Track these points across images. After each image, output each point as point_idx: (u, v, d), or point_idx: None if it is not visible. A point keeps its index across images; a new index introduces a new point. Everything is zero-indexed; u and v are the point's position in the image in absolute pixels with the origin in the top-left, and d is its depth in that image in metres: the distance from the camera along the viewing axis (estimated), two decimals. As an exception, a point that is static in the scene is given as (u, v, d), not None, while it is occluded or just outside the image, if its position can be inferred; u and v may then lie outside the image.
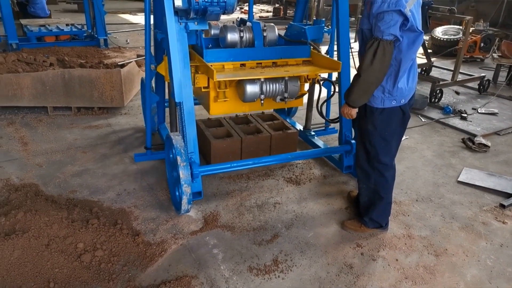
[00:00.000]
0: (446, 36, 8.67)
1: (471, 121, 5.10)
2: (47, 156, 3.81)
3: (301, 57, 3.33)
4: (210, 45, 3.37)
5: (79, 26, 8.59)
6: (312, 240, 2.82)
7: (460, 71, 6.03)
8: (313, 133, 4.19)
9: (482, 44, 8.16)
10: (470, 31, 7.72)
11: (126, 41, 9.01)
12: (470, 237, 2.92)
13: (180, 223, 2.92)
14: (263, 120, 4.09)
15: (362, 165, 2.79)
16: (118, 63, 6.47)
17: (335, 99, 4.05)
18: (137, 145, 4.10)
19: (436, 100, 5.65)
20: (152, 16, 3.32)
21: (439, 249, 2.77)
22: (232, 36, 3.17)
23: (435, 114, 5.32)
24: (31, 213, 2.69)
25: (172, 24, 2.75)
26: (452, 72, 5.91)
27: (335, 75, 3.99)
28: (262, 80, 3.10)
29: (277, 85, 3.17)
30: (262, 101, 3.20)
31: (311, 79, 3.36)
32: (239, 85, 3.14)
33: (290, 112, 4.72)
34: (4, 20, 7.28)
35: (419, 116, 5.22)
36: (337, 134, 4.29)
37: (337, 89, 3.50)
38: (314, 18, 3.46)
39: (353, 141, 3.50)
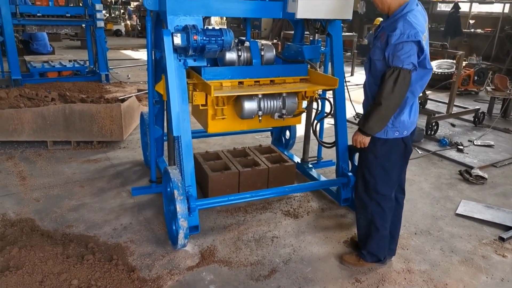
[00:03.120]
0: (440, 70, 8.87)
1: (467, 153, 5.13)
2: (44, 190, 3.81)
3: (298, 75, 3.37)
4: (208, 64, 3.38)
5: (82, 62, 8.80)
6: (310, 275, 2.78)
7: (455, 103, 6.13)
8: (310, 165, 4.21)
9: (475, 78, 8.34)
10: (464, 65, 7.92)
11: (127, 76, 9.20)
12: (470, 271, 2.88)
13: (176, 258, 2.89)
14: (260, 153, 4.12)
15: (360, 195, 2.79)
16: (119, 98, 6.57)
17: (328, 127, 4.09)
18: (135, 179, 4.11)
19: (432, 132, 5.71)
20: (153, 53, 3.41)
21: (439, 284, 2.73)
22: (230, 55, 3.22)
23: (431, 146, 5.36)
24: (26, 249, 2.67)
25: (171, 61, 2.83)
26: (447, 105, 6.01)
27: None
28: (260, 96, 3.12)
29: (275, 101, 3.19)
30: (260, 118, 3.20)
31: (308, 97, 3.40)
32: (237, 102, 3.15)
33: (288, 145, 4.77)
34: (9, 57, 7.46)
35: (416, 148, 5.25)
36: (333, 167, 4.33)
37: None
38: (311, 38, 3.53)
39: (350, 174, 3.52)
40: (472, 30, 11.95)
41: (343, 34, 9.34)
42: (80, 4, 9.95)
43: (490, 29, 11.57)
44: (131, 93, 7.45)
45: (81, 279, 2.53)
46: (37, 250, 2.67)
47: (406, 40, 2.31)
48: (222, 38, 2.83)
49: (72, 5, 9.45)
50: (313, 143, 4.37)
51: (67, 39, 15.76)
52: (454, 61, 8.76)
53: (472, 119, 6.40)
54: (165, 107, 3.73)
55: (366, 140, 2.58)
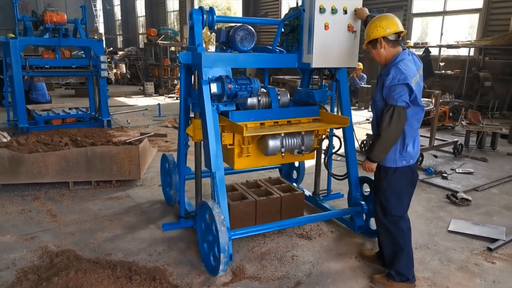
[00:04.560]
0: (418, 108, 9.67)
1: (451, 180, 5.72)
2: (77, 225, 4.13)
3: (311, 116, 3.83)
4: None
5: (84, 109, 9.26)
6: (331, 285, 3.18)
7: (435, 137, 6.80)
8: (322, 197, 4.62)
9: (451, 114, 9.16)
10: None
11: (127, 121, 9.65)
12: (466, 276, 3.34)
13: (211, 276, 3.25)
14: (271, 184, 4.57)
15: (380, 220, 3.20)
16: (126, 141, 7.00)
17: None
18: (159, 213, 4.48)
19: (419, 163, 6.31)
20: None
21: (442, 287, 3.17)
22: (251, 100, 3.66)
23: (419, 175, 5.91)
24: (81, 272, 2.99)
25: (209, 107, 3.25)
26: (429, 139, 6.67)
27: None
28: (283, 135, 3.56)
29: (295, 139, 3.63)
30: (283, 154, 3.63)
31: (321, 135, 3.87)
32: (261, 140, 3.57)
33: (297, 180, 5.18)
34: (18, 106, 7.86)
35: (406, 177, 5.81)
36: (341, 199, 4.74)
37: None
38: (319, 84, 4.03)
39: (363, 203, 3.91)
40: (443, 71, 13.04)
41: (328, 77, 10.11)
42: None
43: (459, 71, 12.67)
44: (134, 137, 7.87)
45: (133, 295, 2.87)
46: (91, 272, 3.00)
47: (397, 83, 2.84)
48: (251, 85, 3.30)
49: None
50: (322, 177, 4.71)
51: (60, 88, 16.21)
52: (430, 100, 9.61)
53: (452, 150, 7.07)
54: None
55: (373, 166, 3.06)
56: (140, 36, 32.76)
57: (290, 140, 3.63)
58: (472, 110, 8.17)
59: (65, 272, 3.00)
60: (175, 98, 14.15)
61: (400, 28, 3.01)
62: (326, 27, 3.48)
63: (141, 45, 25.27)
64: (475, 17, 12.60)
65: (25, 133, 7.66)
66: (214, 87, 3.18)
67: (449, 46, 12.91)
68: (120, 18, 37.53)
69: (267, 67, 3.97)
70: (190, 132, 3.69)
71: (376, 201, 3.23)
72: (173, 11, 29.31)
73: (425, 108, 9.32)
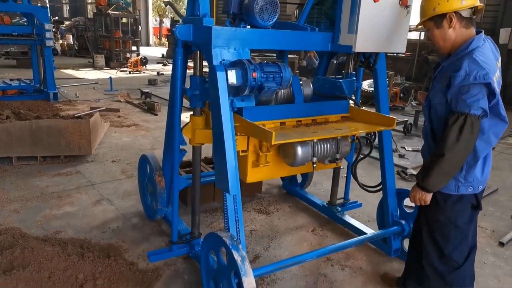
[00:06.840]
0: (371, 89, 9.96)
1: (401, 157, 5.98)
2: (22, 202, 3.87)
3: (340, 113, 3.08)
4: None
5: (27, 81, 8.63)
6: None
7: (387, 116, 7.05)
8: (339, 209, 3.87)
9: (401, 95, 9.52)
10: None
11: (76, 94, 9.14)
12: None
13: (168, 252, 3.19)
14: (230, 160, 4.52)
15: (433, 265, 2.42)
16: (75, 115, 6.63)
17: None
18: (111, 189, 4.30)
19: (370, 141, 6.51)
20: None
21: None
22: None
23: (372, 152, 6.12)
24: (28, 250, 2.81)
25: (226, 103, 2.34)
26: (381, 117, 6.90)
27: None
28: (315, 141, 2.79)
29: (328, 145, 2.87)
30: (314, 165, 2.90)
31: (350, 137, 3.15)
32: (285, 147, 2.79)
33: (303, 184, 4.46)
34: (-50, 75, 7.16)
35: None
36: (359, 209, 4.19)
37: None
38: (345, 71, 3.18)
39: (403, 222, 3.21)
40: (395, 54, 13.48)
41: (285, 56, 10.07)
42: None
43: (409, 54, 13.14)
44: (84, 111, 7.49)
45: (86, 273, 2.74)
46: (39, 250, 2.82)
47: (473, 82, 2.04)
48: (281, 74, 2.47)
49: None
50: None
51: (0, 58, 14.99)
52: (383, 81, 9.93)
53: (402, 129, 7.37)
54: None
55: (427, 197, 2.26)
56: (89, 6, 30.85)
57: (323, 146, 2.85)
58: (421, 91, 8.55)
59: (9, 251, 2.80)
60: (128, 72, 13.59)
61: (478, 1, 2.20)
62: None
63: (90, 15, 23.81)
64: (426, 2, 13.03)
65: (-40, 105, 7.04)
66: (232, 76, 2.30)
67: (401, 29, 13.29)
68: (66, -15, 35.08)
69: (294, 49, 3.32)
70: (188, 133, 2.85)
71: (428, 240, 2.43)
72: (125, -20, 27.79)
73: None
